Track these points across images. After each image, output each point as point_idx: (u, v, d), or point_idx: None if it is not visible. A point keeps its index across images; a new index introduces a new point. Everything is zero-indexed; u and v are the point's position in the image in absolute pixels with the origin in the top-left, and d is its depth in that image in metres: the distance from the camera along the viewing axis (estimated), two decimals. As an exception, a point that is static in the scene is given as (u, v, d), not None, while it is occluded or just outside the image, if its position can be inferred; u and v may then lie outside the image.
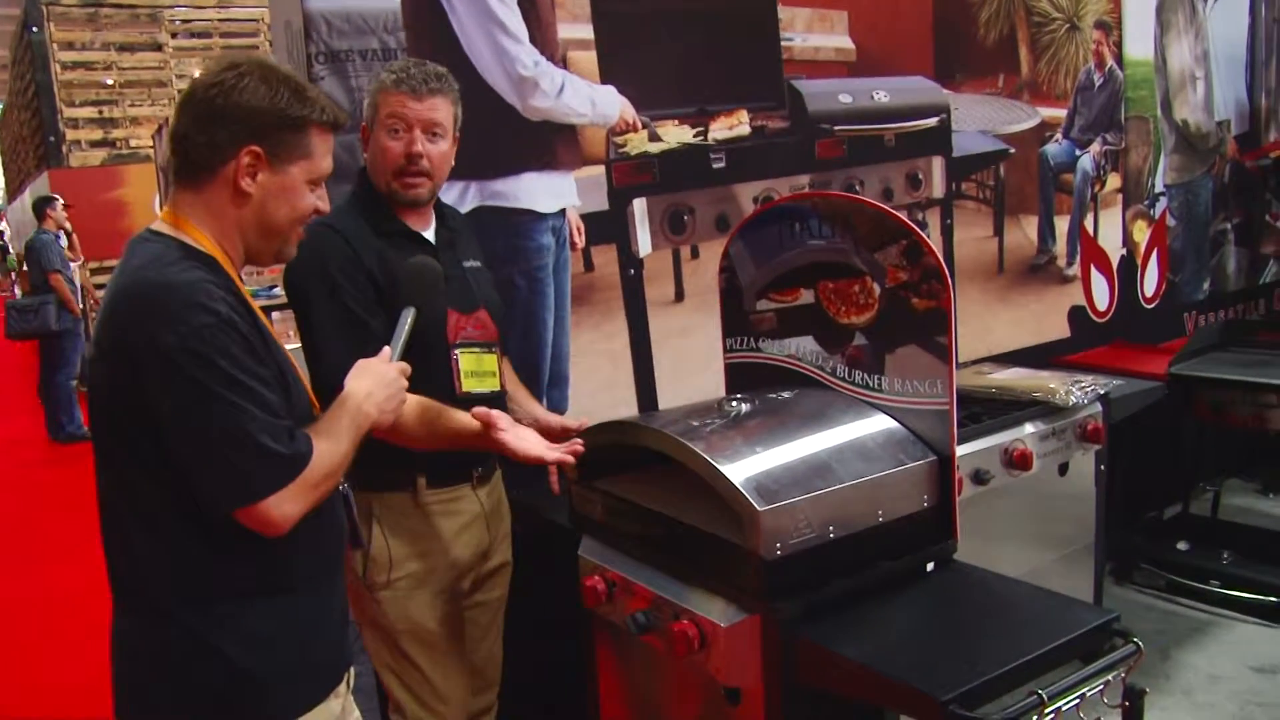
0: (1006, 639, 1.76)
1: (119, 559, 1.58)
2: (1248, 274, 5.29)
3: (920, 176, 3.66)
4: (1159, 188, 4.65)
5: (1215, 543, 4.11)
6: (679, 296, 3.14)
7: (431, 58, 2.26)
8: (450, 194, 2.53)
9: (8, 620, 4.60)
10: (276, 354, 1.57)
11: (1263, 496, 4.91)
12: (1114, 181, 4.43)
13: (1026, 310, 4.09)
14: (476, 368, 2.23)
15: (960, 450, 2.08)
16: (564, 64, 2.83)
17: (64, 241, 8.33)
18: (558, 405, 2.87)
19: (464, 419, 2.02)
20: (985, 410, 3.02)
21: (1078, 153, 4.24)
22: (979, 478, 2.83)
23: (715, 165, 3.14)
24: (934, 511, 2.00)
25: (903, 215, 2.04)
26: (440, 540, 2.24)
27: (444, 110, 2.15)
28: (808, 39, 3.37)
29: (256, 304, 1.60)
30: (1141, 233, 4.57)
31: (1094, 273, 4.34)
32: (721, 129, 3.14)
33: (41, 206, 8.34)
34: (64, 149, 11.07)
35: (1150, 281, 4.63)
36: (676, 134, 3.05)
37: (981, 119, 3.90)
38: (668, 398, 3.09)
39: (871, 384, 2.09)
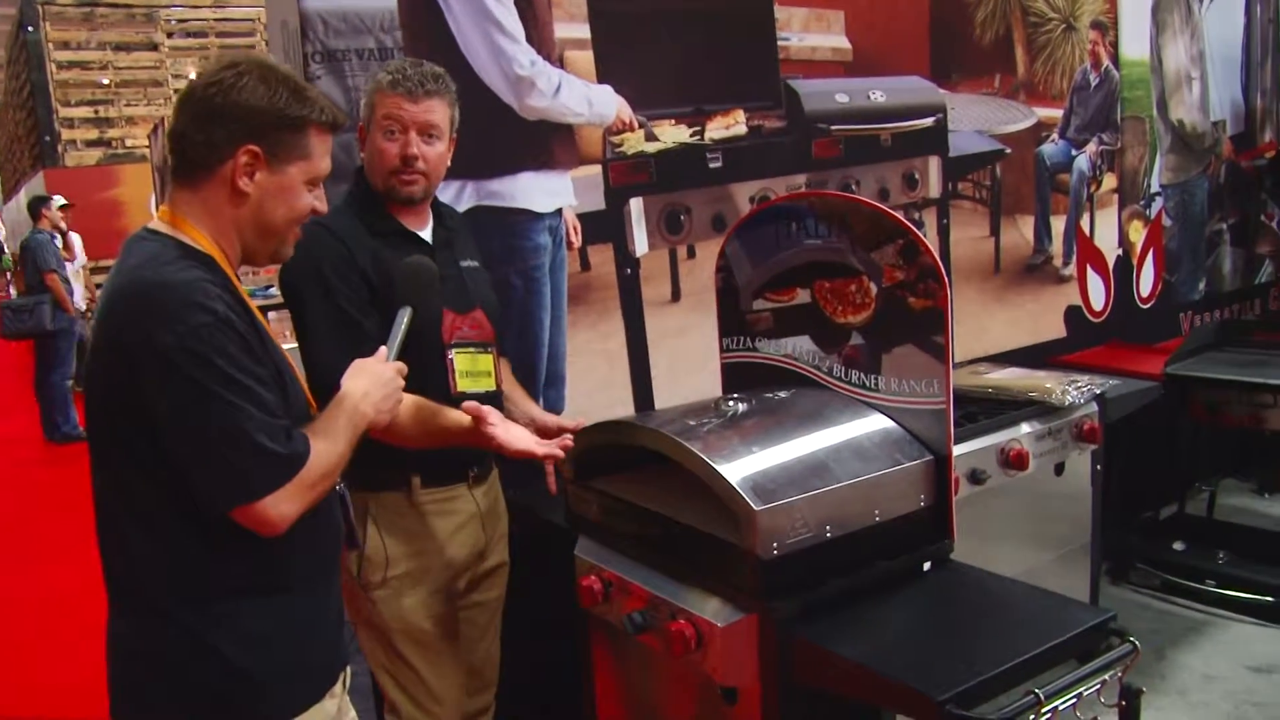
0: (1003, 638, 1.76)
1: (115, 559, 1.57)
2: (1243, 274, 5.29)
3: (917, 176, 3.66)
4: (1155, 188, 4.66)
5: (1211, 542, 4.11)
6: (675, 296, 3.14)
7: (428, 57, 2.26)
8: (447, 193, 2.53)
9: (2, 621, 4.59)
10: (274, 353, 1.57)
11: (1258, 496, 4.92)
12: (1110, 181, 4.43)
13: (1023, 310, 4.10)
14: (472, 368, 2.23)
15: (956, 450, 2.08)
16: (561, 63, 2.83)
17: (59, 241, 8.32)
18: (554, 405, 2.86)
19: (457, 417, 2.03)
20: (981, 410, 3.02)
21: (1074, 153, 4.25)
22: (975, 477, 2.83)
23: (712, 165, 3.14)
24: (930, 511, 2.00)
25: (899, 215, 2.04)
26: (435, 540, 2.24)
27: (440, 112, 2.15)
28: (804, 38, 3.37)
29: (254, 303, 1.60)
30: (1137, 233, 4.58)
31: (1090, 273, 4.34)
32: (718, 128, 3.14)
33: (37, 206, 8.33)
34: (59, 149, 11.07)
35: (1146, 281, 4.64)
36: (673, 133, 3.05)
37: (978, 119, 3.90)
38: (664, 397, 3.09)
39: (868, 384, 2.09)
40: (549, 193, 2.84)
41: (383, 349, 1.78)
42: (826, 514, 1.85)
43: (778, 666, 1.81)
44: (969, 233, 3.89)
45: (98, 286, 8.61)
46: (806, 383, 2.22)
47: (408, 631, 2.23)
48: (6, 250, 16.22)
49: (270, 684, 1.57)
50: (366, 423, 1.66)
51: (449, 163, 2.23)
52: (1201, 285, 5.01)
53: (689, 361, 3.08)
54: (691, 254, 3.15)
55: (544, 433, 2.23)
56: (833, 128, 3.38)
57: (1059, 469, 3.12)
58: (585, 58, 2.88)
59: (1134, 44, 4.46)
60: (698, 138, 3.10)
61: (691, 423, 2.03)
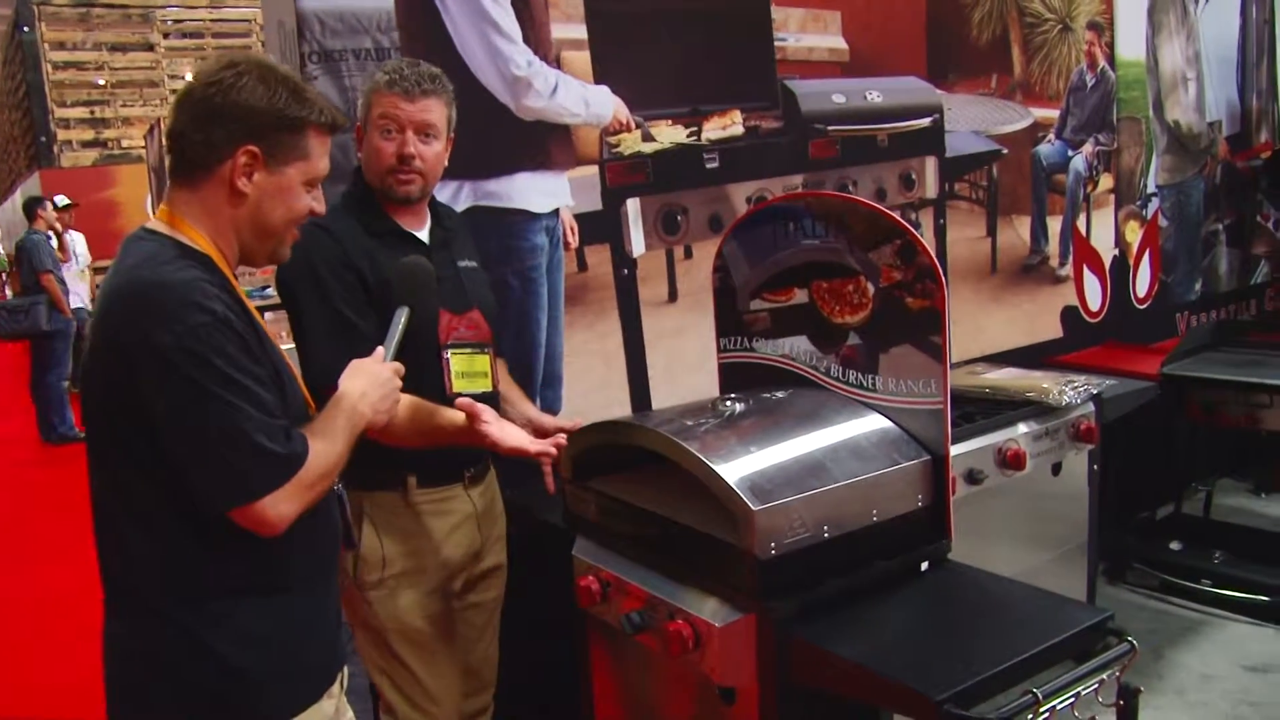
0: (1001, 638, 1.76)
1: (113, 559, 1.57)
2: (1239, 274, 5.30)
3: (913, 177, 3.66)
4: (1151, 188, 4.67)
5: (1208, 542, 4.11)
6: (672, 296, 3.14)
7: (425, 57, 2.26)
8: (444, 194, 2.53)
9: (-1, 621, 4.59)
10: (272, 353, 1.57)
11: (1255, 496, 4.92)
12: (1106, 182, 4.44)
13: (1019, 310, 4.10)
14: (468, 368, 2.23)
15: (954, 450, 2.08)
16: (557, 64, 2.83)
17: (54, 242, 8.31)
18: (551, 405, 2.86)
19: (452, 415, 2.03)
20: (978, 410, 3.02)
21: (1070, 153, 4.25)
22: (972, 477, 2.83)
23: (709, 165, 3.14)
24: (928, 511, 2.00)
25: (896, 215, 2.04)
26: (431, 540, 2.23)
27: (437, 111, 2.15)
28: (801, 39, 3.38)
29: (251, 304, 1.60)
30: (1134, 233, 4.59)
31: (1086, 273, 4.35)
32: (715, 129, 3.14)
33: (32, 207, 8.33)
34: (55, 149, 11.06)
35: (1142, 282, 4.65)
36: (670, 134, 3.05)
37: (974, 119, 3.90)
38: (661, 398, 3.09)
39: (865, 384, 2.09)
40: (546, 193, 2.84)
41: (380, 349, 1.77)
42: (824, 514, 1.85)
43: (776, 666, 1.81)
44: (966, 233, 3.90)
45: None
46: (804, 383, 2.22)
47: (403, 632, 2.23)
48: (2, 251, 16.21)
49: (268, 684, 1.57)
50: (365, 423, 1.66)
51: (446, 162, 2.23)
52: (1198, 285, 5.02)
53: (686, 362, 3.09)
54: (688, 254, 3.15)
55: (541, 433, 2.23)
56: (829, 128, 3.38)
57: (1056, 469, 3.13)
58: (582, 58, 2.89)
59: (1130, 45, 4.47)
60: (694, 138, 3.10)
61: (689, 423, 2.03)
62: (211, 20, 11.60)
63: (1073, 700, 1.63)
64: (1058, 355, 4.10)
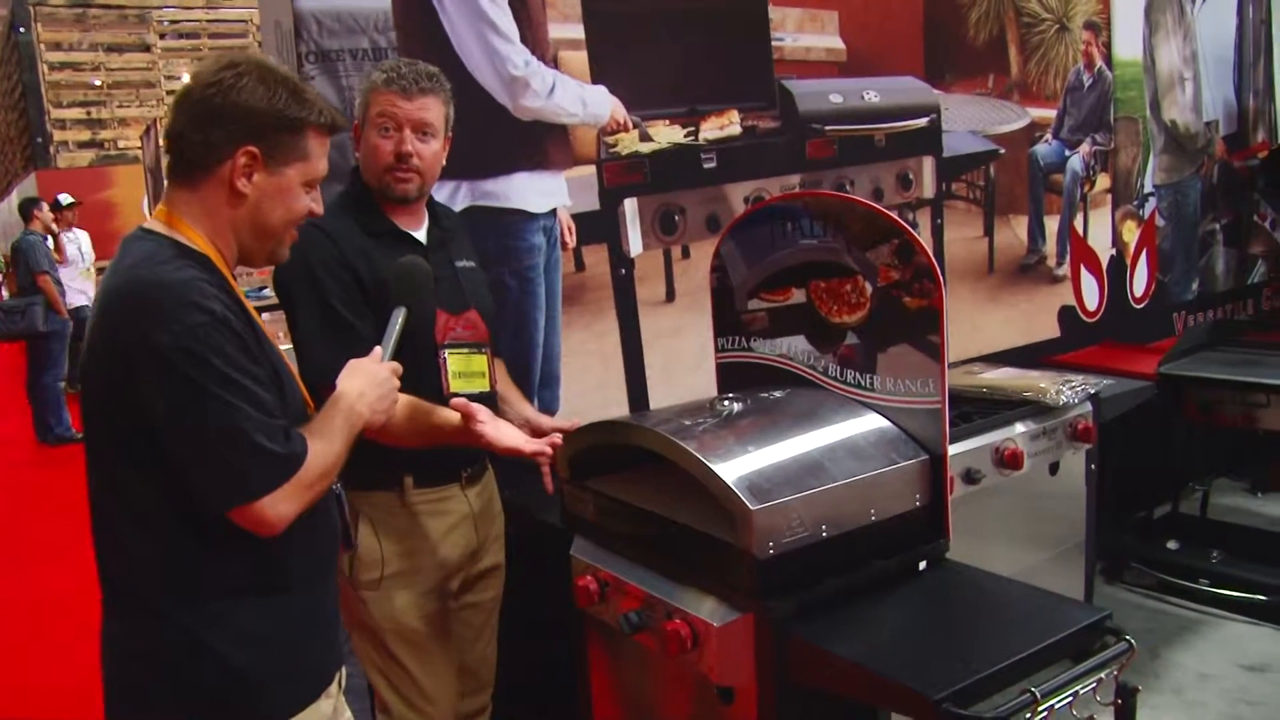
0: (999, 637, 1.77)
1: (111, 559, 1.57)
2: (1236, 274, 5.31)
3: (911, 176, 3.67)
4: (1148, 188, 4.68)
5: (1205, 542, 4.12)
6: (670, 296, 3.14)
7: (422, 57, 2.26)
8: (441, 194, 2.53)
9: (-4, 622, 4.59)
10: (270, 353, 1.57)
11: (1251, 495, 4.93)
12: (1103, 182, 4.44)
13: (1016, 310, 4.11)
14: (465, 368, 2.22)
15: (951, 450, 2.08)
16: (555, 64, 2.83)
17: (50, 243, 8.30)
18: (549, 405, 2.86)
19: (448, 415, 2.03)
20: (976, 410, 3.02)
21: (1067, 153, 4.26)
22: (970, 477, 2.84)
23: (706, 165, 3.14)
24: (926, 510, 2.00)
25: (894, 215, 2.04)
26: (428, 540, 2.23)
27: (435, 110, 2.15)
28: (798, 39, 3.38)
29: (250, 303, 1.60)
30: (1131, 233, 4.59)
31: (1084, 273, 4.36)
32: (712, 129, 3.14)
33: (28, 207, 8.33)
34: (52, 150, 11.05)
35: (1139, 281, 4.65)
36: (667, 134, 3.05)
37: (971, 119, 3.91)
38: (659, 398, 3.09)
39: (863, 383, 2.09)
40: (543, 193, 2.84)
41: (377, 349, 1.77)
42: (822, 513, 1.85)
43: (774, 666, 1.81)
44: (963, 233, 3.90)
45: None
46: (802, 382, 2.22)
47: (400, 631, 2.22)
48: (-2, 252, 16.19)
49: (267, 684, 1.56)
50: (363, 423, 1.66)
51: (444, 161, 2.23)
52: (1195, 285, 5.03)
53: (684, 361, 3.09)
54: (686, 254, 3.15)
55: (538, 433, 2.23)
56: (827, 128, 3.38)
57: (1053, 468, 3.13)
58: (580, 58, 2.88)
59: (1127, 44, 4.47)
60: (692, 138, 3.10)
61: (687, 422, 2.03)
62: (208, 21, 11.59)
63: (1071, 699, 1.63)
64: (1055, 355, 4.10)
